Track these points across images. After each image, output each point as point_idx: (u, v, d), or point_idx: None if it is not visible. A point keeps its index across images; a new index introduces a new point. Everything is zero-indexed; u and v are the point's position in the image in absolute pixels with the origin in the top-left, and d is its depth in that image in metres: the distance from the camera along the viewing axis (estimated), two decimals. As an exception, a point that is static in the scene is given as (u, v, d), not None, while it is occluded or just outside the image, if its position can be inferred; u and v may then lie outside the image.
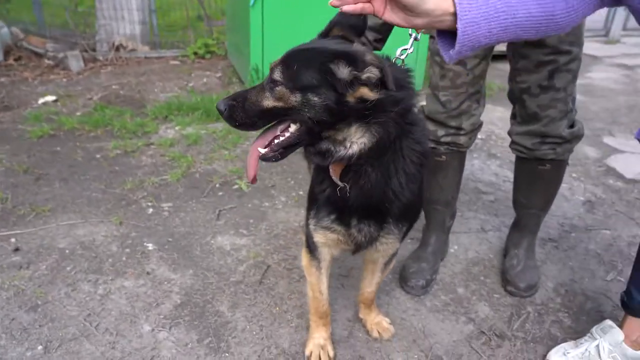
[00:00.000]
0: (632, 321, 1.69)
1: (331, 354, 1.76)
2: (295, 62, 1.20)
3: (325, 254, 1.64)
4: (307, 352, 1.76)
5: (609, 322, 1.75)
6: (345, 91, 1.15)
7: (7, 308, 1.91)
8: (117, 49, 5.86)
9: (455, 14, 1.07)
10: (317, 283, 1.69)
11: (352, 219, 1.45)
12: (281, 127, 1.28)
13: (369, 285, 1.83)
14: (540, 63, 1.91)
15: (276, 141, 1.28)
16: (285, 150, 1.29)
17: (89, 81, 5.10)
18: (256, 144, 1.30)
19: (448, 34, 1.15)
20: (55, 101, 4.39)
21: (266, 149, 1.29)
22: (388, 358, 1.79)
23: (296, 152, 2.89)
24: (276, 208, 2.77)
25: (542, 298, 2.14)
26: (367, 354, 1.81)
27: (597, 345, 1.69)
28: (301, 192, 2.94)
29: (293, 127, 1.25)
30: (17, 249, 2.26)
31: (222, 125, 3.85)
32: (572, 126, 2.04)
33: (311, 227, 1.55)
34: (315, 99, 1.17)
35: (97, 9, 5.89)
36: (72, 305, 1.95)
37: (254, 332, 1.87)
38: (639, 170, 3.45)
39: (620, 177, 3.39)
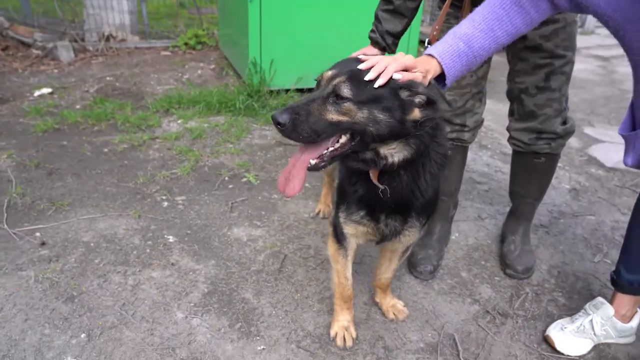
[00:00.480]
0: (621, 297, 1.91)
1: (354, 334, 1.92)
2: (363, 80, 1.32)
3: (352, 243, 1.79)
4: (332, 334, 1.92)
5: (600, 299, 1.96)
6: (406, 112, 1.31)
7: (45, 299, 2.02)
8: (107, 39, 5.84)
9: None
10: (343, 270, 1.85)
11: (381, 214, 1.61)
12: (333, 138, 1.39)
13: (386, 271, 2.00)
14: (538, 66, 2.08)
15: (327, 152, 1.39)
16: (333, 159, 1.41)
17: (81, 72, 5.10)
18: (305, 156, 1.39)
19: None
20: (51, 93, 4.39)
21: (317, 160, 1.39)
22: (404, 337, 1.97)
23: (299, 146, 3.04)
24: (285, 200, 2.91)
25: (538, 279, 2.35)
26: (385, 333, 1.99)
27: (591, 320, 1.91)
28: (307, 185, 3.08)
29: (344, 139, 1.38)
30: (43, 243, 2.35)
31: (223, 119, 3.95)
32: (564, 123, 2.23)
33: (342, 220, 1.70)
34: (381, 116, 1.32)
35: (85, -2, 5.83)
36: (106, 296, 2.07)
37: (280, 317, 2.03)
38: (617, 159, 3.71)
39: (601, 165, 3.64)
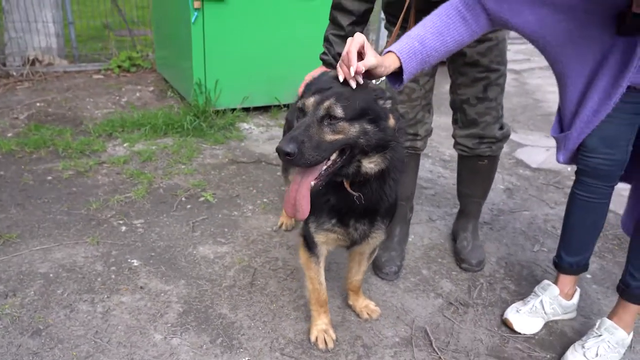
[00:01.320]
0: (563, 278, 2.16)
1: (333, 336, 2.01)
2: (349, 99, 1.43)
3: (323, 250, 1.89)
4: (312, 338, 1.99)
5: (546, 281, 2.21)
6: (385, 119, 1.44)
7: (8, 336, 1.90)
8: (32, 63, 5.55)
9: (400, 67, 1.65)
10: (317, 276, 1.94)
11: (350, 220, 1.73)
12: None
13: (357, 274, 2.11)
14: (476, 79, 2.33)
15: (323, 171, 1.47)
16: (327, 177, 1.50)
17: (6, 99, 4.80)
18: (306, 179, 1.46)
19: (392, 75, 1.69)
20: (-24, 122, 4.10)
21: (316, 181, 1.47)
22: (380, 334, 2.09)
23: (251, 163, 3.12)
24: (246, 216, 2.95)
25: (489, 270, 2.57)
26: (362, 333, 2.09)
27: (541, 301, 2.14)
28: (265, 200, 3.14)
29: (334, 156, 1.47)
30: (-4, 278, 2.21)
31: (172, 141, 3.91)
32: (501, 128, 2.49)
33: (312, 230, 1.80)
34: (369, 127, 1.45)
35: (5, 21, 5.52)
36: (75, 326, 1.99)
37: (260, 328, 2.06)
38: (540, 160, 4.13)
39: (527, 167, 4.03)
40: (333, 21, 2.32)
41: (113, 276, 2.31)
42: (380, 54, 1.70)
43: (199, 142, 3.94)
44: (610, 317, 1.99)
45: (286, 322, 2.11)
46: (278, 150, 1.33)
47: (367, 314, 2.16)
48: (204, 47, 4.14)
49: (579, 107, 1.81)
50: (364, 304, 2.19)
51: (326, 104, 1.42)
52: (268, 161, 3.73)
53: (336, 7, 2.28)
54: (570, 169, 4.01)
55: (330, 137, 1.42)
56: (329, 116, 1.42)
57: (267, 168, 3.62)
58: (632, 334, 2.00)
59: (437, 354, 1.99)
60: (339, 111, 1.41)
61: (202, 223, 2.84)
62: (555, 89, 1.96)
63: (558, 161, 1.97)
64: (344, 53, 1.48)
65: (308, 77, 2.51)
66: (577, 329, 2.19)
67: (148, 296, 2.20)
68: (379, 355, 1.96)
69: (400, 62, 1.62)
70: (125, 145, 3.78)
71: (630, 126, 1.77)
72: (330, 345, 1.97)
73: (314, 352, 1.96)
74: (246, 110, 4.62)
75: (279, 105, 4.81)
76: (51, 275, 2.28)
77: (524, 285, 2.47)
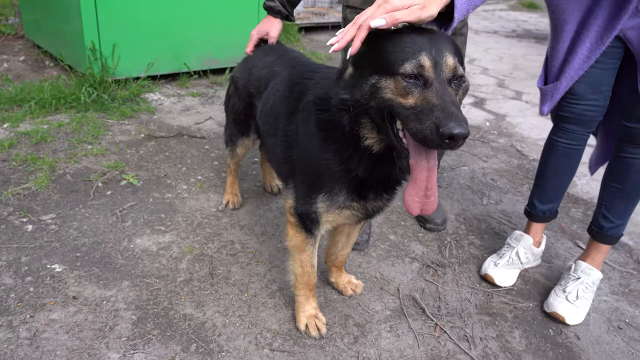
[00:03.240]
0: (535, 226, 2.18)
1: (324, 320, 1.78)
2: (457, 52, 1.20)
3: (324, 229, 1.62)
4: (301, 327, 1.75)
5: (518, 232, 2.21)
6: None
7: None
8: None
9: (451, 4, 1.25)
10: (310, 258, 1.68)
11: (369, 193, 1.48)
12: None
13: (344, 247, 1.90)
14: None
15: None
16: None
17: None
18: (434, 163, 1.23)
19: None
20: None
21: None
22: (369, 309, 1.92)
23: (172, 137, 2.70)
24: (182, 197, 2.55)
25: (452, 228, 2.54)
26: (350, 311, 1.90)
27: (517, 252, 2.14)
28: (200, 177, 2.76)
29: None
30: None
31: (67, 117, 3.26)
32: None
33: (322, 208, 1.51)
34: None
35: None
36: (-6, 361, 1.51)
37: (237, 324, 1.76)
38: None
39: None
40: None
41: (31, 289, 1.81)
42: None
43: (102, 118, 3.34)
44: (583, 259, 2.04)
45: (265, 313, 1.84)
46: (459, 135, 1.03)
47: (352, 289, 1.97)
48: (95, 4, 3.47)
49: (569, 54, 1.76)
50: (347, 279, 1.99)
51: (451, 63, 1.16)
52: (191, 134, 3.29)
53: None
54: (489, 124, 4.19)
55: (456, 99, 1.18)
56: (459, 76, 1.18)
57: (192, 142, 3.19)
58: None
59: (433, 320, 1.88)
60: (461, 69, 1.18)
61: (132, 210, 2.38)
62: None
63: (542, 113, 1.92)
64: (363, 17, 1.16)
65: (253, 31, 2.17)
66: (546, 274, 2.24)
67: (86, 307, 1.76)
68: (375, 333, 1.80)
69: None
70: (5, 126, 3.05)
71: (613, 71, 1.76)
72: (323, 330, 1.75)
73: (306, 341, 1.72)
74: (153, 78, 4.03)
75: (188, 73, 4.29)
76: (-60, 299, 1.71)
77: (487, 239, 2.47)
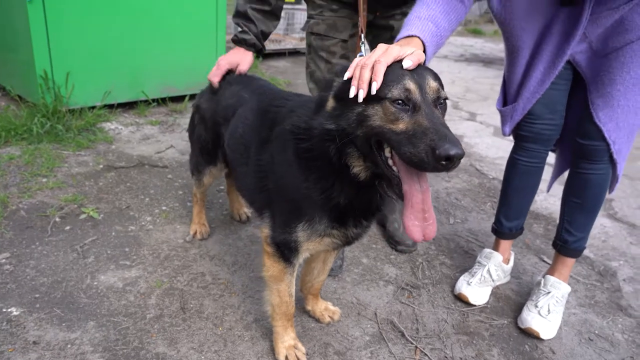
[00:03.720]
0: (503, 243, 2.24)
1: (303, 350, 1.74)
2: (437, 76, 1.24)
3: (302, 257, 1.60)
4: (281, 358, 1.69)
5: (487, 250, 2.26)
6: None
7: None
8: None
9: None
10: (288, 288, 1.64)
11: (349, 220, 1.46)
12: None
13: (320, 274, 1.87)
14: None
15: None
16: None
17: None
18: (427, 186, 1.24)
19: None
20: None
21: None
22: (348, 335, 1.89)
23: (133, 167, 2.64)
24: (147, 229, 2.45)
25: (422, 249, 2.56)
26: (329, 339, 1.86)
27: (488, 269, 2.18)
28: (164, 208, 2.67)
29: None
30: None
31: (18, 150, 3.09)
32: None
33: (303, 237, 1.48)
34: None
35: None
36: (-56, 421, 1.36)
37: (213, 360, 1.69)
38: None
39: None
40: None
41: (-15, 336, 1.67)
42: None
43: (56, 149, 3.18)
44: (551, 273, 2.11)
45: (242, 346, 1.77)
46: (455, 156, 1.05)
47: (329, 316, 1.94)
48: (47, 32, 3.35)
49: (525, 78, 1.85)
50: (324, 307, 1.96)
51: (434, 86, 1.19)
52: (152, 163, 3.19)
53: None
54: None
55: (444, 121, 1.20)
56: (438, 98, 1.20)
57: (154, 171, 3.09)
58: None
59: (413, 343, 1.87)
60: (443, 92, 1.22)
61: (93, 245, 2.26)
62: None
63: (504, 133, 2.00)
64: (371, 60, 1.21)
65: (223, 61, 2.15)
66: (516, 290, 2.29)
67: (49, 352, 1.63)
68: (356, 360, 1.77)
69: (424, 46, 1.43)
70: (-51, 160, 2.85)
71: (565, 92, 1.87)
72: (303, 360, 1.70)
73: (287, 373, 1.67)
74: (109, 107, 3.91)
75: (146, 101, 4.19)
76: None
77: (457, 258, 2.51)
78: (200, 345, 1.75)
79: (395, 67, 1.21)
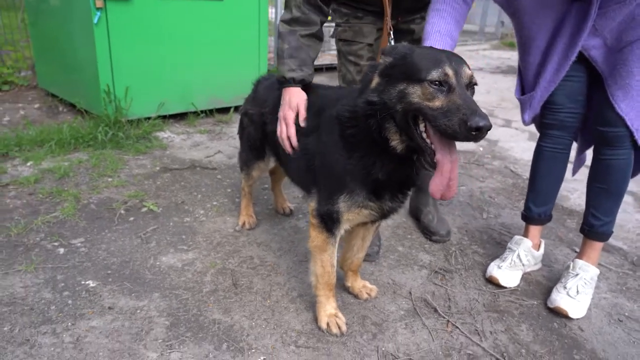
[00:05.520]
0: (532, 229, 2.34)
1: (343, 319, 1.91)
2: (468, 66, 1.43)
3: (343, 229, 1.79)
4: (323, 325, 1.87)
5: (517, 236, 2.37)
6: None
7: (-45, 390, 1.47)
8: None
9: None
10: (331, 258, 1.83)
11: (386, 193, 1.66)
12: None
13: (360, 250, 2.05)
14: None
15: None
16: None
17: None
18: (456, 157, 1.42)
19: None
20: None
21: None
22: (385, 310, 2.05)
23: (186, 169, 2.88)
24: (200, 221, 2.70)
25: (455, 239, 2.69)
26: (367, 312, 2.03)
27: (518, 254, 2.29)
28: (215, 203, 2.92)
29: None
30: None
31: (85, 155, 3.45)
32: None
33: (344, 208, 1.68)
34: None
35: None
36: (42, 363, 1.62)
37: (263, 326, 1.89)
38: (458, 145, 4.48)
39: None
40: (297, 21, 2.03)
41: (70, 302, 1.94)
42: None
43: (118, 154, 3.53)
44: (579, 257, 2.20)
45: (288, 316, 1.96)
46: (484, 127, 1.24)
47: (367, 293, 2.11)
48: (110, 51, 3.75)
49: (542, 67, 2.00)
50: (362, 284, 2.13)
51: (468, 72, 1.40)
52: (203, 166, 3.48)
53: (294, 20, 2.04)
54: (482, 149, 4.42)
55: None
56: (470, 83, 1.41)
57: (204, 172, 3.37)
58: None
59: (445, 317, 2.01)
60: (475, 78, 1.42)
61: (154, 233, 2.53)
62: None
63: (524, 122, 2.14)
64: None
65: (288, 112, 1.94)
66: (547, 276, 2.38)
67: (122, 316, 1.88)
68: (391, 330, 1.92)
69: None
70: (29, 164, 3.23)
71: (583, 84, 2.00)
72: (344, 328, 1.87)
73: (328, 338, 1.85)
74: (162, 118, 4.27)
75: (195, 112, 4.54)
76: (-14, 312, 1.83)
77: (489, 248, 2.63)
78: (251, 314, 1.96)
79: (435, 53, 1.43)
